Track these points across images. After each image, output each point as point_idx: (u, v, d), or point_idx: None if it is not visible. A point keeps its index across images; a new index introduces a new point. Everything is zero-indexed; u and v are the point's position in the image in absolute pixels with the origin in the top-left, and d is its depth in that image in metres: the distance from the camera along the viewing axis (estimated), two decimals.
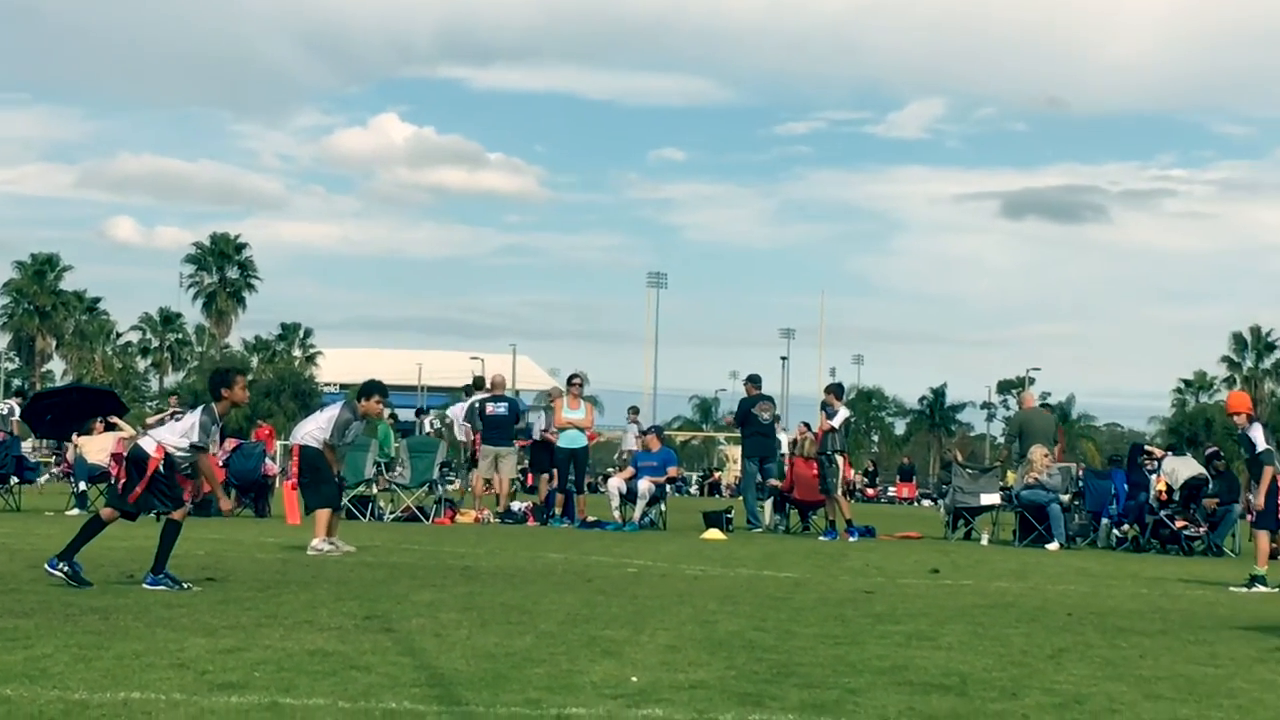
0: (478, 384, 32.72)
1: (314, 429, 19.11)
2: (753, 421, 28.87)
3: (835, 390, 27.94)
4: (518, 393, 48.73)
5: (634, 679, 8.62)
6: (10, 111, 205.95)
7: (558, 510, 29.01)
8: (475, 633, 10.59)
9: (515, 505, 29.65)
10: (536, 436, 29.85)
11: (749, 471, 29.37)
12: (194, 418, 13.78)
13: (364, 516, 28.38)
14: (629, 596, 13.86)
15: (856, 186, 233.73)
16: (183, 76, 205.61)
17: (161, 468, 13.56)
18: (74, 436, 31.01)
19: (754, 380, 29.88)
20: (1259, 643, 11.67)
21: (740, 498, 31.83)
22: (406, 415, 46.93)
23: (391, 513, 28.97)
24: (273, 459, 34.54)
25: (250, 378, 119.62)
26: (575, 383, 29.74)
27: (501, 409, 29.04)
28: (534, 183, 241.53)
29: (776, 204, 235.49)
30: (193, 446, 13.65)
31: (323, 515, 18.81)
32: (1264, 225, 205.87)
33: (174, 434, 13.89)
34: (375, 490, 29.73)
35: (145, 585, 13.24)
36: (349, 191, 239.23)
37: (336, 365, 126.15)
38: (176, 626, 10.45)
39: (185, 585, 13.17)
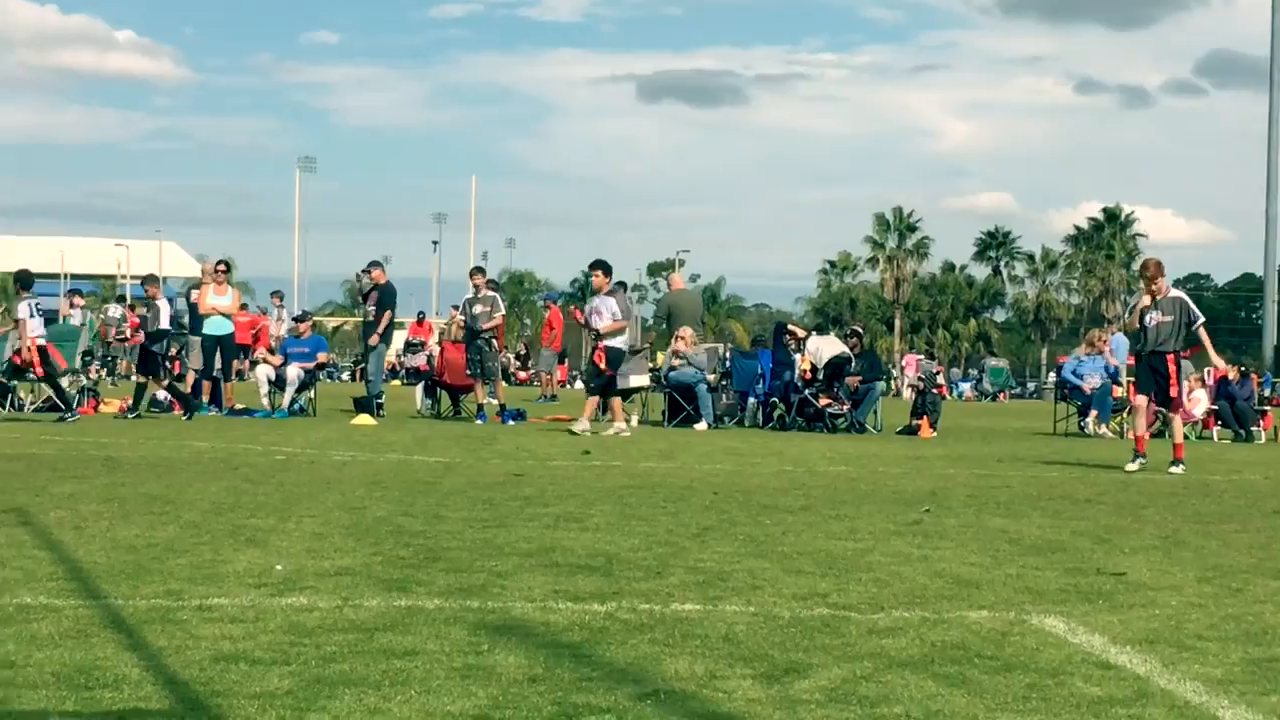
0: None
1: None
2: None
3: (480, 271, 28.65)
4: (166, 279, 48.01)
5: (278, 567, 8.51)
6: None
7: (204, 398, 28.53)
8: (116, 524, 10.34)
9: (160, 394, 29.06)
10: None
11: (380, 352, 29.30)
12: None
13: (3, 406, 27.52)
14: (276, 484, 13.70)
15: (510, 69, 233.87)
16: None
17: None
18: None
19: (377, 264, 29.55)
20: (897, 517, 12.03)
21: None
22: (50, 304, 45.89)
23: (32, 403, 28.12)
24: None
25: None
26: (221, 269, 29.29)
27: None
28: (170, 64, 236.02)
29: (430, 87, 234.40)
30: None
31: None
32: (904, 108, 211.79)
33: None
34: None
35: None
36: None
37: None
38: None
39: None
